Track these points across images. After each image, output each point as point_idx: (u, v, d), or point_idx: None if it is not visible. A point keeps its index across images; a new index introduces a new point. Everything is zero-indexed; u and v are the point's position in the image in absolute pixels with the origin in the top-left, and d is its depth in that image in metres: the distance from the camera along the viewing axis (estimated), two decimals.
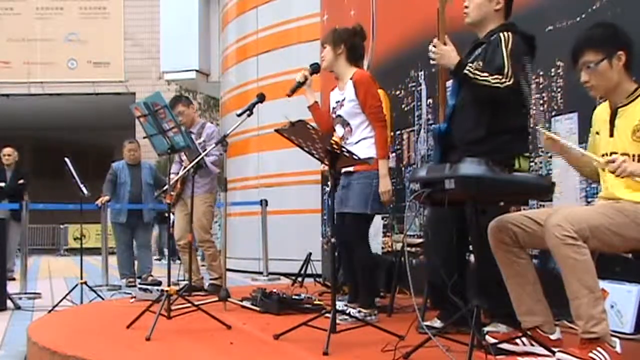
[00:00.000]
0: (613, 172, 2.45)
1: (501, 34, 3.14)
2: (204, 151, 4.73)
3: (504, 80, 2.98)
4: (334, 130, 4.05)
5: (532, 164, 4.09)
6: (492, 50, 3.12)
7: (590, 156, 2.67)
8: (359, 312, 3.78)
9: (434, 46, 3.07)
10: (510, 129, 3.16)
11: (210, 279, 5.57)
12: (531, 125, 4.12)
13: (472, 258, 3.59)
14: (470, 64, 3.05)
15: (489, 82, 2.98)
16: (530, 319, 2.79)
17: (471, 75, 3.00)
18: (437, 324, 3.27)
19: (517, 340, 2.81)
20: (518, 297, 2.81)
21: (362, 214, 3.86)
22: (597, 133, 2.83)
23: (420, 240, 4.60)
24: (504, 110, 3.11)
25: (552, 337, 2.78)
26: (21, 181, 8.98)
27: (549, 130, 2.95)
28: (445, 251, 3.24)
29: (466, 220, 3.18)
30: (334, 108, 4.03)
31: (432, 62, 3.15)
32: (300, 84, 3.92)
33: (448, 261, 3.22)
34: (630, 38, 2.71)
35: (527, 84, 3.15)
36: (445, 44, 3.09)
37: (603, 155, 2.73)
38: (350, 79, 3.91)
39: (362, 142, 3.87)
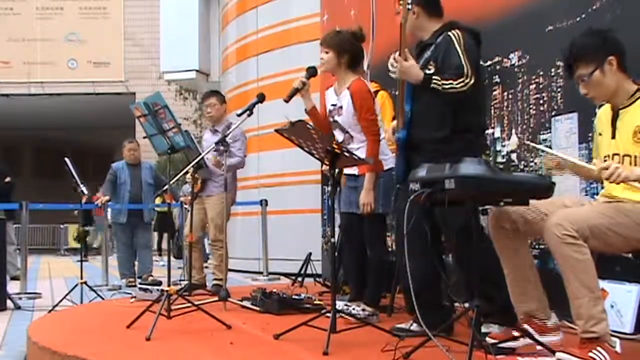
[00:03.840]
0: (608, 179, 2.46)
1: (450, 33, 3.17)
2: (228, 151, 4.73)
3: (467, 80, 3.04)
4: (333, 134, 4.03)
5: (532, 163, 4.10)
6: (445, 50, 3.15)
7: (583, 165, 2.69)
8: (363, 309, 3.80)
9: (395, 61, 3.07)
10: (472, 127, 3.22)
11: (215, 279, 5.56)
12: (531, 126, 4.13)
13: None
14: (436, 77, 3.06)
15: (456, 87, 3.03)
16: (525, 305, 2.82)
17: (439, 87, 3.04)
18: (414, 327, 3.20)
19: (515, 334, 2.82)
20: (514, 279, 2.84)
21: (376, 215, 3.88)
22: (600, 134, 2.83)
23: None
24: (464, 109, 3.16)
25: (549, 323, 2.80)
26: (7, 179, 8.93)
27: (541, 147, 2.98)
28: (421, 254, 3.16)
29: (436, 220, 3.19)
30: (330, 111, 4.01)
31: (392, 76, 3.16)
32: (297, 90, 3.85)
33: (424, 264, 3.18)
34: (618, 40, 2.70)
35: (481, 81, 3.19)
36: (406, 59, 3.07)
37: (605, 157, 2.73)
38: (348, 89, 3.87)
39: (364, 148, 3.87)
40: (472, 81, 3.05)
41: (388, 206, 3.93)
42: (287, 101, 3.79)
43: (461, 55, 3.10)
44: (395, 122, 3.43)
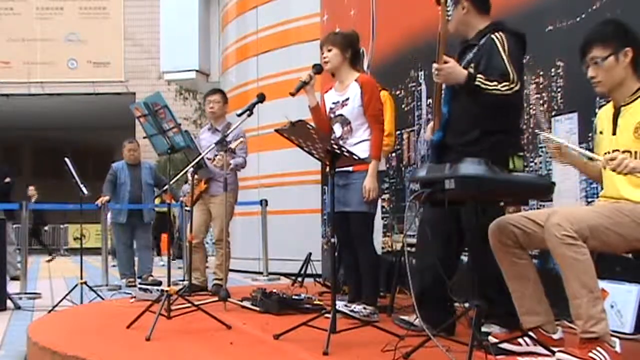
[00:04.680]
0: (614, 170, 2.45)
1: (494, 36, 3.11)
2: (230, 150, 4.73)
3: (512, 86, 2.97)
4: (333, 131, 4.05)
5: (532, 163, 4.10)
6: (488, 54, 3.09)
7: (590, 155, 2.67)
8: (365, 308, 3.80)
9: (437, 69, 3.00)
10: (505, 128, 3.15)
11: (215, 279, 5.56)
12: (531, 126, 4.13)
13: (464, 259, 3.61)
14: (480, 75, 2.99)
15: (500, 90, 2.96)
16: (532, 319, 2.79)
17: (483, 86, 2.96)
18: (417, 321, 3.18)
19: (520, 340, 2.81)
20: (519, 297, 2.81)
21: (365, 213, 3.90)
22: (601, 132, 2.83)
23: None
24: (501, 112, 3.10)
25: (555, 336, 2.78)
26: (7, 180, 8.92)
27: (549, 133, 2.94)
28: (435, 253, 3.17)
29: (457, 220, 3.18)
30: (331, 108, 4.05)
31: (436, 82, 3.10)
32: (304, 84, 3.87)
33: (439, 263, 3.18)
34: (639, 37, 2.71)
35: (523, 85, 3.15)
36: (445, 62, 3.01)
37: (606, 154, 2.73)
38: (356, 80, 3.96)
39: (362, 144, 3.90)
40: (518, 87, 2.98)
41: (375, 207, 3.96)
42: (293, 95, 3.81)
43: (505, 60, 3.02)
44: (431, 123, 3.41)
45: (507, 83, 2.97)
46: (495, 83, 2.97)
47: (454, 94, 3.22)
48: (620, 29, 2.71)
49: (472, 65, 3.13)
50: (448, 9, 3.19)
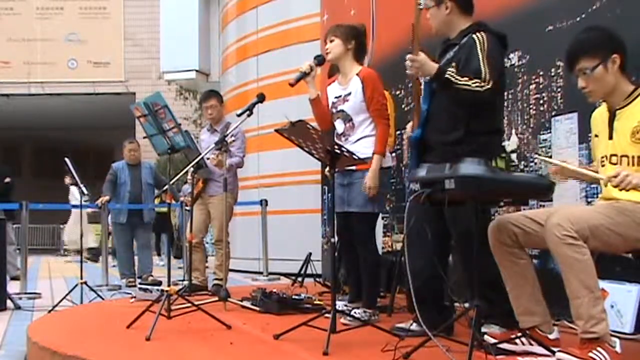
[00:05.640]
0: (617, 187, 2.45)
1: (475, 36, 3.12)
2: (227, 150, 4.74)
3: (484, 85, 2.97)
4: (334, 125, 4.02)
5: (532, 163, 4.10)
6: (467, 53, 3.10)
7: (592, 175, 2.67)
8: (364, 312, 3.79)
9: (411, 59, 3.02)
10: (488, 130, 3.16)
11: (215, 279, 5.56)
12: (531, 126, 4.13)
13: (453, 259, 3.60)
14: (450, 70, 3.01)
15: (470, 86, 2.97)
16: (529, 319, 2.80)
17: (453, 80, 2.98)
18: (414, 326, 3.19)
19: (517, 340, 2.81)
20: (517, 297, 2.82)
21: (368, 213, 3.87)
22: (597, 136, 2.83)
23: None
24: (481, 112, 3.11)
25: (551, 337, 2.79)
26: (7, 180, 8.92)
27: (546, 157, 2.96)
28: (426, 253, 3.17)
29: (446, 220, 3.17)
30: (333, 103, 3.99)
31: (409, 73, 3.11)
32: (304, 74, 3.78)
33: (429, 263, 3.16)
34: (622, 40, 2.71)
35: (503, 85, 3.16)
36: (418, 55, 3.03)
37: (602, 158, 2.73)
38: (357, 74, 3.89)
39: (362, 140, 3.86)
40: (490, 86, 2.97)
41: (381, 206, 3.93)
42: (292, 85, 3.74)
43: (482, 59, 3.03)
44: (411, 122, 3.40)
45: (478, 81, 2.97)
46: (466, 79, 2.98)
47: (433, 91, 3.22)
48: (605, 36, 2.70)
49: (453, 64, 3.14)
50: (420, 2, 3.20)
